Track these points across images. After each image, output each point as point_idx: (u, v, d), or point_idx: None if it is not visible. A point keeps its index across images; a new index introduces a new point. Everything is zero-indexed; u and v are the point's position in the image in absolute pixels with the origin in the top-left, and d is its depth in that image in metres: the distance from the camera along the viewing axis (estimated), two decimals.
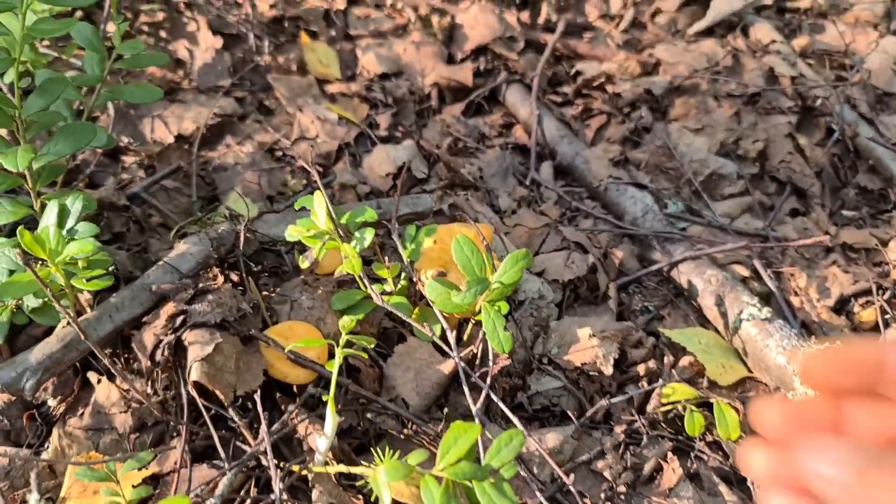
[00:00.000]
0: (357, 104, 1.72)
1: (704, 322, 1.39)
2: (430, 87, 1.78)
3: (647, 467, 1.13)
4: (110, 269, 1.12)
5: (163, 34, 1.76)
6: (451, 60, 1.86)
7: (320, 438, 0.99)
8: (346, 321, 0.93)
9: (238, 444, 1.06)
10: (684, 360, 1.30)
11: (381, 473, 0.79)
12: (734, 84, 1.85)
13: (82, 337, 0.90)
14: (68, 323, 1.12)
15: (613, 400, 1.17)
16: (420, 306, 1.17)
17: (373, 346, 1.02)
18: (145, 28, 1.76)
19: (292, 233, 1.06)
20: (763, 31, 2.00)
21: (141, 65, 1.31)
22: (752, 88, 1.82)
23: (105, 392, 1.16)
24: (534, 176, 1.63)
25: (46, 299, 1.09)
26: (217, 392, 1.00)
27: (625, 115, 1.78)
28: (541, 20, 1.99)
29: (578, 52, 1.92)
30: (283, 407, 1.10)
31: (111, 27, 1.31)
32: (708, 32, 2.03)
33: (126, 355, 1.18)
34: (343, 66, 1.82)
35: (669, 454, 1.16)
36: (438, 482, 0.77)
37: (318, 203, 1.06)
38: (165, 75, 1.72)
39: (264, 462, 1.00)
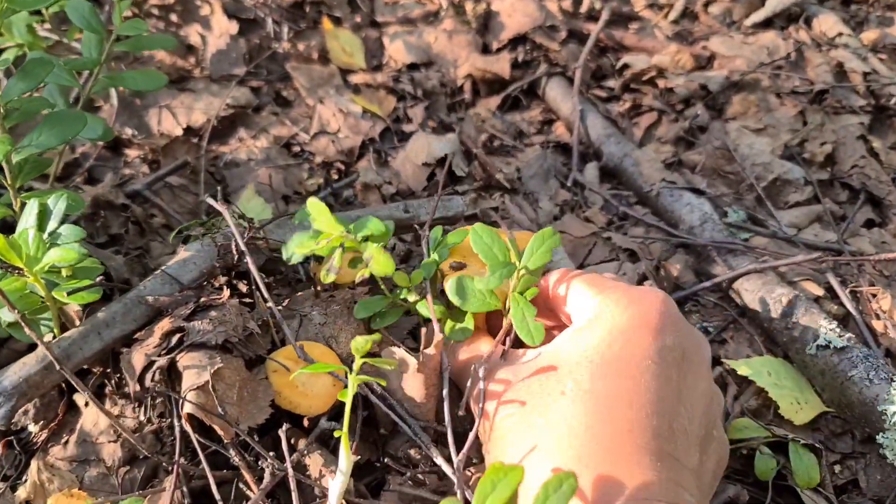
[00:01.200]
0: (383, 96, 1.57)
1: (772, 347, 1.22)
2: (464, 79, 1.62)
3: None
4: (98, 278, 0.98)
5: (173, 18, 1.63)
6: (485, 50, 1.71)
7: (333, 481, 0.84)
8: (361, 343, 0.78)
9: (241, 485, 0.91)
10: (747, 389, 1.14)
11: None
12: (798, 80, 1.67)
13: (57, 366, 0.76)
14: (54, 339, 0.98)
15: None
16: (450, 313, 1.01)
17: (393, 367, 0.88)
18: (154, 11, 1.62)
19: (299, 249, 0.91)
20: (828, 22, 1.82)
21: (144, 47, 1.17)
22: (818, 85, 1.65)
23: (93, 418, 1.02)
24: (577, 178, 1.46)
25: (24, 313, 0.95)
26: (216, 427, 0.86)
27: (678, 112, 1.61)
28: (583, 9, 1.83)
29: (625, 43, 1.76)
30: (294, 441, 0.95)
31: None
32: (766, 24, 1.86)
33: (118, 376, 1.04)
34: (368, 55, 1.67)
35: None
36: None
37: (318, 210, 0.90)
38: (175, 62, 1.58)
39: None
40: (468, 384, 0.88)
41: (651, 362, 0.76)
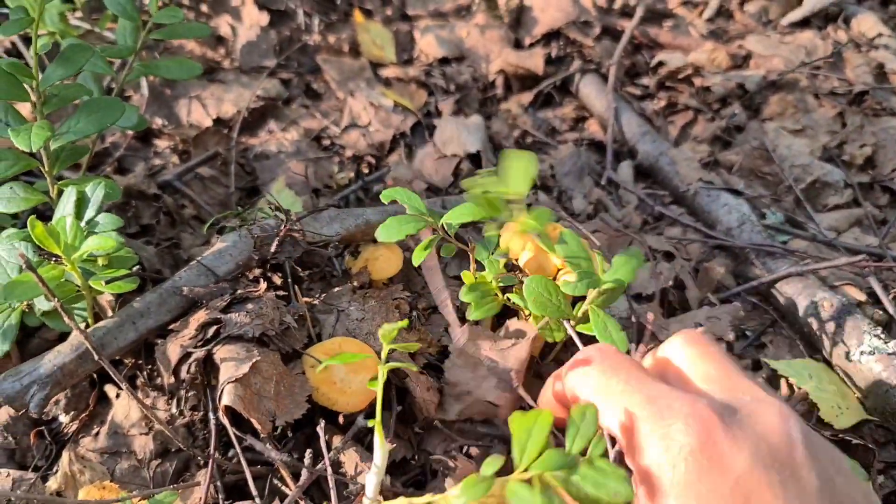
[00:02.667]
0: (414, 90, 1.55)
1: (813, 352, 1.19)
2: (496, 75, 1.60)
3: None
4: (134, 267, 0.97)
5: (203, 9, 1.61)
6: (518, 46, 1.68)
7: (368, 475, 0.82)
8: (388, 329, 0.75)
9: (276, 481, 0.89)
10: (784, 393, 1.11)
11: (455, 495, 0.62)
12: (837, 81, 1.64)
13: (95, 356, 0.74)
14: (87, 329, 0.97)
15: None
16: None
17: (416, 350, 0.85)
18: (185, 2, 1.61)
19: (473, 191, 0.82)
20: (868, 22, 1.79)
21: (180, 36, 1.15)
22: (858, 86, 1.61)
23: (124, 410, 1.00)
24: (611, 176, 1.44)
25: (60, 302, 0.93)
26: (253, 421, 0.84)
27: (714, 111, 1.58)
28: (617, 5, 1.80)
29: (659, 41, 1.73)
30: (328, 438, 0.93)
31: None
32: (804, 23, 1.82)
33: (150, 367, 1.03)
34: (399, 49, 1.65)
35: None
36: (528, 486, 0.60)
37: (517, 164, 0.78)
38: (205, 53, 1.57)
39: None
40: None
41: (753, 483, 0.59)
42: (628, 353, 0.79)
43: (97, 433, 0.99)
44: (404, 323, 0.81)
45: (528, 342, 0.95)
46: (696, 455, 0.60)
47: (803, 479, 0.59)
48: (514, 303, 0.95)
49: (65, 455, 0.96)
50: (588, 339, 0.90)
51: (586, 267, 0.87)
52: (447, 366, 0.92)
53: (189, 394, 0.96)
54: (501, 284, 0.93)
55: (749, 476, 0.59)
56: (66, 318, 0.76)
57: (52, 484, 0.95)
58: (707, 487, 0.59)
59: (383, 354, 0.75)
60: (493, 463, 0.68)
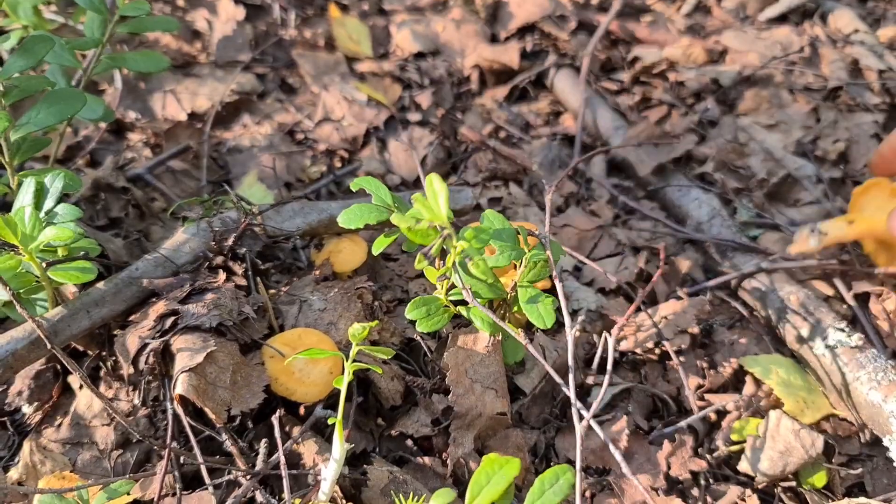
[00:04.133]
0: (389, 85, 1.55)
1: (780, 346, 1.19)
2: (471, 69, 1.60)
3: None
4: (94, 258, 0.97)
5: (180, 2, 1.61)
6: (493, 40, 1.69)
7: (326, 468, 0.83)
8: (357, 329, 0.76)
9: (234, 472, 0.89)
10: (750, 388, 1.12)
11: None
12: (812, 77, 1.65)
13: (48, 344, 0.75)
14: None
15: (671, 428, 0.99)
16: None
17: (390, 357, 0.85)
18: None
19: (400, 222, 0.78)
20: (844, 18, 1.79)
21: (147, 28, 1.16)
22: (832, 82, 1.62)
23: (87, 401, 1.01)
24: (581, 169, 1.44)
25: (19, 292, 0.93)
26: (207, 410, 0.84)
27: (688, 106, 1.59)
28: (595, 0, 1.80)
29: (636, 36, 1.73)
30: (288, 429, 0.93)
31: None
32: (781, 19, 1.83)
33: (114, 359, 1.03)
34: (375, 44, 1.66)
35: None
36: None
37: (436, 188, 0.76)
38: (181, 48, 1.57)
39: (259, 499, 0.84)
40: None
41: None
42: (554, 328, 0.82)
43: (60, 424, 1.00)
44: (375, 323, 0.81)
45: (495, 347, 0.95)
46: None
47: None
48: (465, 316, 0.96)
49: (26, 445, 0.96)
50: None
51: (511, 243, 0.87)
52: (453, 399, 0.91)
53: (151, 385, 0.97)
54: (452, 298, 0.92)
55: None
56: (17, 307, 0.77)
57: (13, 474, 0.95)
58: None
59: (352, 353, 0.76)
60: (441, 497, 0.69)
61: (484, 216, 0.91)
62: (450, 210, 0.77)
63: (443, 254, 0.85)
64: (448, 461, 0.90)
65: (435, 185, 0.76)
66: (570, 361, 0.85)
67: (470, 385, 0.93)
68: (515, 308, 0.96)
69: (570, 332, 0.85)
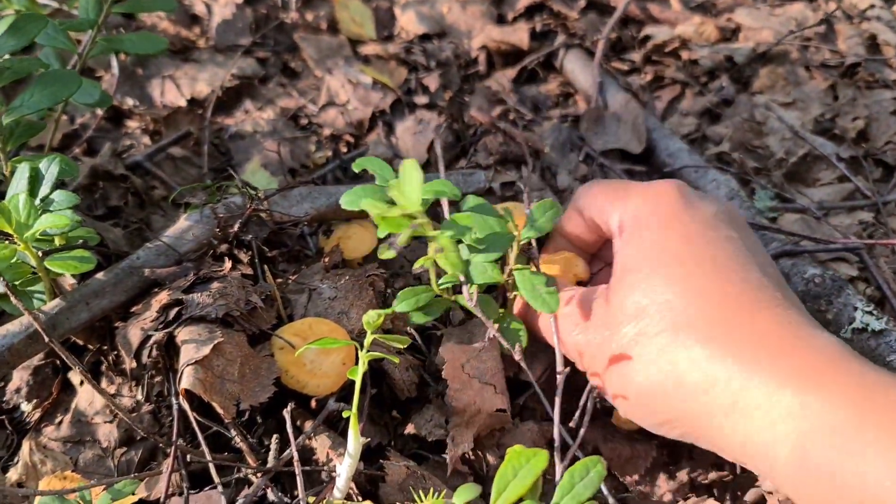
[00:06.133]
0: (394, 67, 1.50)
1: None
2: (478, 51, 1.55)
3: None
4: (93, 247, 0.93)
5: None
6: (501, 21, 1.64)
7: (341, 465, 0.79)
8: (372, 316, 0.71)
9: (244, 469, 0.85)
10: None
11: None
12: (828, 53, 1.60)
13: (45, 337, 0.70)
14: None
15: None
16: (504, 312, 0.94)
17: (406, 346, 0.81)
18: None
19: (372, 208, 0.76)
20: None
21: (143, 8, 1.11)
22: (850, 58, 1.57)
23: (88, 397, 0.97)
24: (590, 152, 1.39)
25: (15, 284, 0.89)
26: (215, 405, 0.80)
27: (702, 85, 1.54)
28: None
29: (646, 14, 1.68)
30: (299, 423, 0.89)
31: None
32: None
33: (116, 352, 0.99)
34: (379, 26, 1.61)
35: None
36: None
37: (410, 175, 0.71)
38: (179, 32, 1.52)
39: (271, 497, 0.80)
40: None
41: (711, 234, 0.77)
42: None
43: (60, 422, 0.96)
44: (391, 310, 0.77)
45: (491, 341, 0.91)
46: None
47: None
48: (460, 305, 0.91)
49: (25, 445, 0.93)
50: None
51: (497, 228, 0.82)
52: (450, 395, 0.87)
53: (153, 379, 0.93)
54: (444, 285, 0.88)
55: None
56: (13, 299, 0.72)
57: (13, 475, 0.91)
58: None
59: (366, 343, 0.72)
60: (466, 492, 0.65)
61: (465, 202, 0.86)
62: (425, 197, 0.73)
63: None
64: (448, 461, 0.86)
65: (409, 171, 0.71)
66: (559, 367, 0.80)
67: (468, 380, 0.88)
68: (514, 294, 0.92)
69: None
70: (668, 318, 0.72)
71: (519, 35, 1.54)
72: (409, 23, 1.60)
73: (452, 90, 1.48)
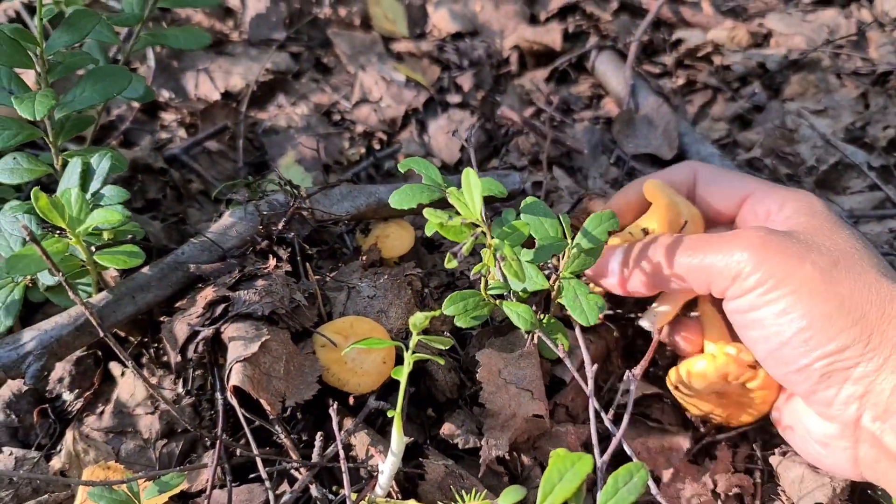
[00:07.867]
0: (427, 65, 1.51)
1: None
2: (510, 51, 1.56)
3: None
4: (138, 240, 0.94)
5: None
6: (533, 21, 1.64)
7: (384, 462, 0.80)
8: (419, 318, 0.72)
9: (284, 464, 0.87)
10: None
11: None
12: (860, 60, 1.60)
13: (100, 332, 0.72)
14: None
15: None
16: (548, 318, 0.95)
17: (448, 347, 0.82)
18: None
19: (431, 221, 0.76)
20: (892, 1, 1.73)
21: (187, 4, 1.12)
22: (882, 66, 1.57)
23: (129, 388, 0.98)
24: (621, 155, 1.40)
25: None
26: (262, 401, 0.81)
27: (733, 90, 1.54)
28: None
29: (678, 17, 1.68)
30: (339, 420, 0.90)
31: None
32: (826, 2, 1.77)
33: (157, 345, 1.00)
34: (411, 23, 1.61)
35: None
36: None
37: (472, 184, 0.73)
38: (213, 26, 1.53)
39: (314, 493, 0.81)
40: None
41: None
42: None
43: (102, 412, 0.97)
44: (437, 312, 0.78)
45: (531, 348, 0.91)
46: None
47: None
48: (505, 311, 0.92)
49: (69, 434, 0.94)
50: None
51: (552, 233, 0.83)
52: (484, 397, 0.88)
53: (196, 373, 0.94)
54: (493, 293, 0.88)
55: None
56: (70, 293, 0.74)
57: (56, 463, 0.93)
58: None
59: (412, 343, 0.73)
60: (510, 495, 0.66)
61: (523, 206, 0.87)
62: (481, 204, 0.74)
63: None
64: (482, 462, 0.87)
65: (471, 181, 0.72)
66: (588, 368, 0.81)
67: (503, 384, 0.89)
68: (557, 301, 0.92)
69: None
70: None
71: (552, 35, 1.55)
72: (441, 20, 1.60)
73: (485, 90, 1.49)
